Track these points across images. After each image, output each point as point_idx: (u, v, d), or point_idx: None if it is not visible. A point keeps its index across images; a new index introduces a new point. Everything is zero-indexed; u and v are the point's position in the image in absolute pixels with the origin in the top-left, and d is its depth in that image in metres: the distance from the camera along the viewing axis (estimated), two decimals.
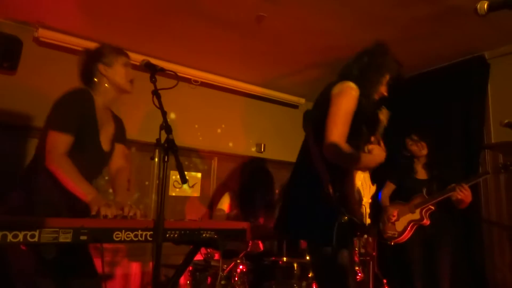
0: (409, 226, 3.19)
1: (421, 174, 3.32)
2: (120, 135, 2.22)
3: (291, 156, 5.21)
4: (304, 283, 3.12)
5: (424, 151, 3.27)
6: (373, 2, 3.07)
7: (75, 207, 1.84)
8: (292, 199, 2.00)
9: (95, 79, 2.06)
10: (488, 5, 1.23)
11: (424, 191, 3.19)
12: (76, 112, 1.93)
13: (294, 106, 5.41)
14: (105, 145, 2.09)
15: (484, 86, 3.79)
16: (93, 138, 2.02)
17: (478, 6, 1.24)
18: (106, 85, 2.07)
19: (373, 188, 1.97)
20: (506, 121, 2.78)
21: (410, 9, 3.14)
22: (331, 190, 1.79)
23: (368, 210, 1.91)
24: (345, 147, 1.79)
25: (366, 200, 1.92)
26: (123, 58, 2.11)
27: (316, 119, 1.92)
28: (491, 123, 3.74)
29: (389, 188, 3.47)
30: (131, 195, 2.20)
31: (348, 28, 3.48)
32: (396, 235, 3.23)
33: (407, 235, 3.19)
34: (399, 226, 3.23)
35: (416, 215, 3.17)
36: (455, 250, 3.17)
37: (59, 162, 1.84)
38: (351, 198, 1.84)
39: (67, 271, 1.90)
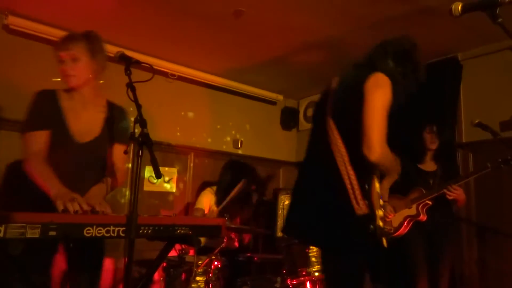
0: (405, 222, 3.08)
1: (429, 165, 3.24)
2: (115, 130, 2.10)
3: (268, 152, 5.32)
4: (278, 279, 3.12)
5: (434, 146, 3.19)
6: (349, 0, 3.09)
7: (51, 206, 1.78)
8: (311, 202, 1.82)
9: None
10: (462, 6, 1.25)
11: (431, 181, 3.11)
12: (38, 108, 1.92)
13: (272, 102, 5.41)
14: (81, 137, 2.00)
15: (456, 86, 3.88)
16: (61, 131, 1.96)
17: (453, 7, 1.27)
18: None
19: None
20: (477, 121, 2.86)
21: (385, 9, 3.17)
22: (361, 199, 1.64)
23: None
24: (388, 149, 1.66)
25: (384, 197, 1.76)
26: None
27: (348, 117, 1.73)
28: (463, 123, 3.85)
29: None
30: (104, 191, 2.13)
31: (325, 25, 3.50)
32: (392, 231, 3.09)
33: (403, 230, 3.08)
34: (395, 221, 3.10)
35: (412, 211, 3.08)
36: (455, 248, 3.14)
37: (31, 162, 1.84)
38: (376, 202, 1.69)
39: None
